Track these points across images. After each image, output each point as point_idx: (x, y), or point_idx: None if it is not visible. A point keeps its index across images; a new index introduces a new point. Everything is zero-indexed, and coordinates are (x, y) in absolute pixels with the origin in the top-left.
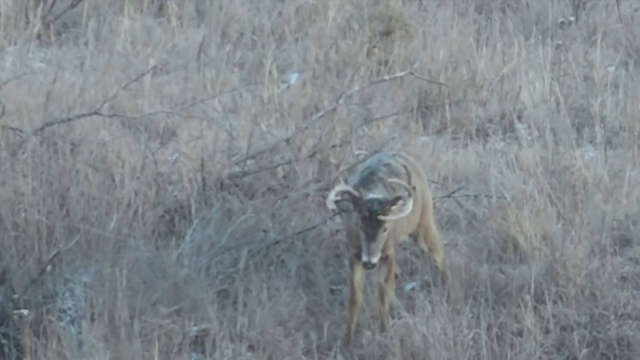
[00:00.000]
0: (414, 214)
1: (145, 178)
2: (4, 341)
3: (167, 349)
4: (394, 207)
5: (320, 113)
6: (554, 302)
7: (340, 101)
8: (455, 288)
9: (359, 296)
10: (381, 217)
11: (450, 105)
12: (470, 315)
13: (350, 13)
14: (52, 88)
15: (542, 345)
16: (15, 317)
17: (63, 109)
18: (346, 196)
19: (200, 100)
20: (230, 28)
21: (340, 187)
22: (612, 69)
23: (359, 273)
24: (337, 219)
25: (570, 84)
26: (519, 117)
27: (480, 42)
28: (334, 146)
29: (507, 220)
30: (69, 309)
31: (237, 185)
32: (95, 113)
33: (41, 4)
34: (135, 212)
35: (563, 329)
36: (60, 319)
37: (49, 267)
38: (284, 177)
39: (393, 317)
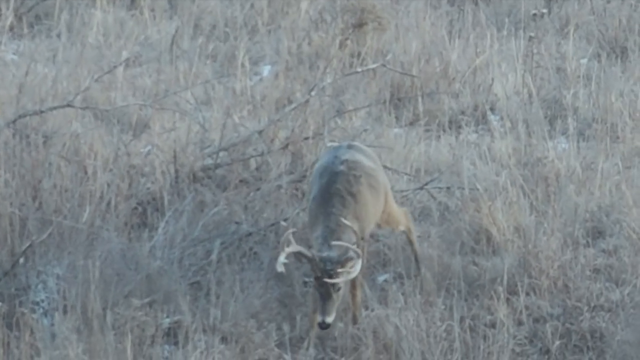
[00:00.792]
0: (379, 207)
1: (118, 170)
2: None
3: (140, 340)
4: (342, 270)
5: (293, 105)
6: (527, 294)
7: (313, 93)
8: (428, 280)
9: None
10: (329, 280)
11: (422, 97)
12: (443, 307)
13: (323, 5)
14: (25, 80)
15: (515, 337)
16: None
17: (35, 101)
18: (299, 256)
19: (172, 93)
20: (203, 20)
21: (291, 248)
22: (584, 61)
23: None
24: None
25: (542, 76)
26: (492, 109)
27: (453, 34)
28: (306, 138)
29: (480, 212)
30: (42, 301)
31: (209, 177)
32: (68, 105)
33: None
34: (108, 204)
35: (536, 320)
36: (33, 311)
37: (21, 260)
38: (257, 169)
39: (366, 309)
